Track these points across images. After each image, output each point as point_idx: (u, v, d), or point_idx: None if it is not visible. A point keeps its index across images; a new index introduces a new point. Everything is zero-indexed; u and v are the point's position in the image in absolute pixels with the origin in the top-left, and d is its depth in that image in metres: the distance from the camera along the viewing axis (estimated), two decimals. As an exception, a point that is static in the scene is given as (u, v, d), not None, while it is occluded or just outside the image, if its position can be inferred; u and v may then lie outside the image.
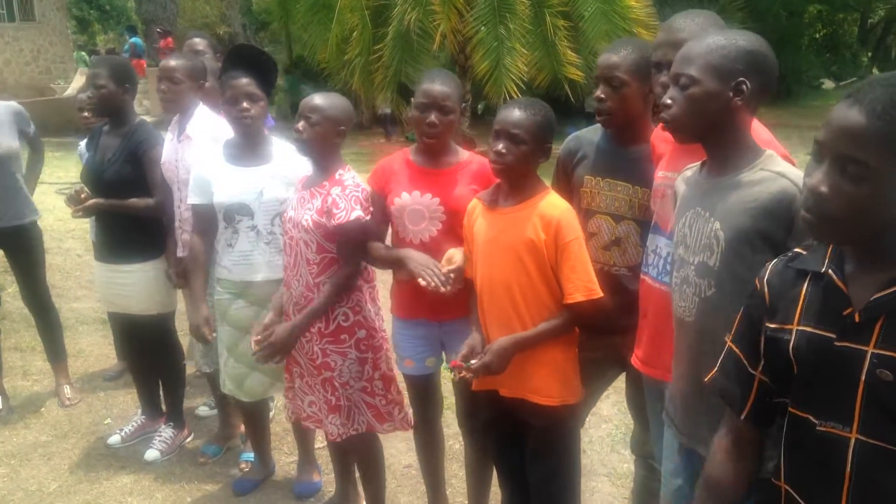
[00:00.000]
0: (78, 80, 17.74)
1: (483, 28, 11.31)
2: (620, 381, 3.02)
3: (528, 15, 11.65)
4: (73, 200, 3.85)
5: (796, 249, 1.66)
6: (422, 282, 2.78)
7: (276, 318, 3.17)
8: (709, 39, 2.01)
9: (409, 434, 4.14)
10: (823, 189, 1.43)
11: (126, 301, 4.05)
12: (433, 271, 2.80)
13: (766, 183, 1.95)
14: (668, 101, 2.05)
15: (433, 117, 2.86)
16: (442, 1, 11.22)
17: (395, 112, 11.92)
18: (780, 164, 1.98)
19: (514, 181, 2.66)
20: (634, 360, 2.57)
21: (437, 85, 2.89)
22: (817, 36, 30.55)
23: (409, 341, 3.14)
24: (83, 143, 4.66)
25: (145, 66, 20.59)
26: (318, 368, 3.10)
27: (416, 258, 2.88)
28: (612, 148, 2.79)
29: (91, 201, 3.82)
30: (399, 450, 4.06)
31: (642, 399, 2.92)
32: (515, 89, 10.77)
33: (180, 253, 3.86)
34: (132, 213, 3.86)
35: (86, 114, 4.79)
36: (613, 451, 4.11)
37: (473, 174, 2.94)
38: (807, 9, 27.19)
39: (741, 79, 1.97)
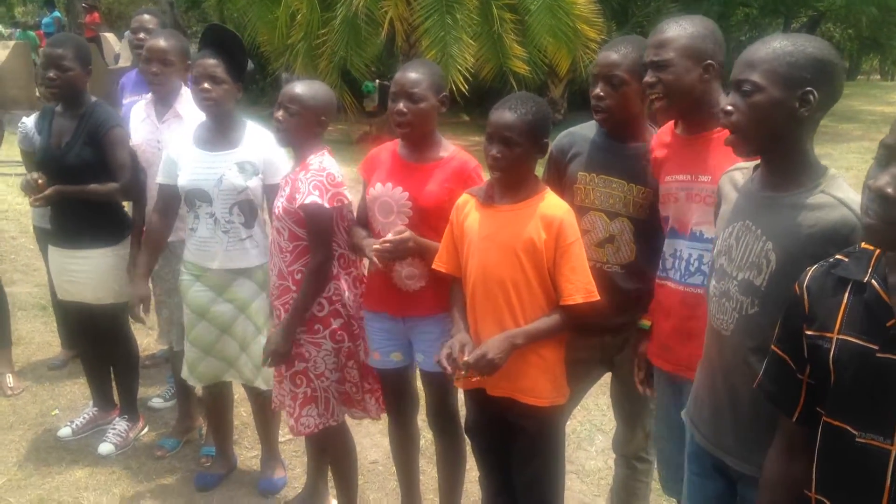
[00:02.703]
0: (-1, 54, 16.86)
1: (430, 17, 11.22)
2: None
3: (474, 6, 11.60)
4: (31, 188, 3.63)
5: (837, 256, 1.64)
6: (374, 258, 2.80)
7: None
8: (774, 44, 1.88)
9: (374, 430, 4.12)
10: (890, 191, 1.41)
11: (81, 289, 3.87)
12: (377, 247, 2.79)
13: (826, 209, 1.85)
14: (729, 108, 1.92)
15: (401, 105, 2.81)
16: (390, -12, 11.14)
17: (339, 100, 11.73)
18: (843, 190, 1.88)
19: (513, 182, 2.63)
20: (655, 359, 2.58)
21: (407, 73, 2.85)
22: (743, 39, 31.32)
23: (375, 334, 3.09)
24: (29, 120, 4.40)
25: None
26: (289, 361, 3.03)
27: (368, 243, 2.89)
28: (607, 144, 2.78)
29: (51, 189, 3.61)
30: (364, 446, 3.99)
31: (629, 400, 2.96)
32: (462, 80, 10.73)
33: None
34: (94, 198, 3.68)
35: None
36: (580, 449, 4.12)
37: (451, 172, 2.88)
38: (735, 12, 27.82)
39: (808, 88, 1.84)
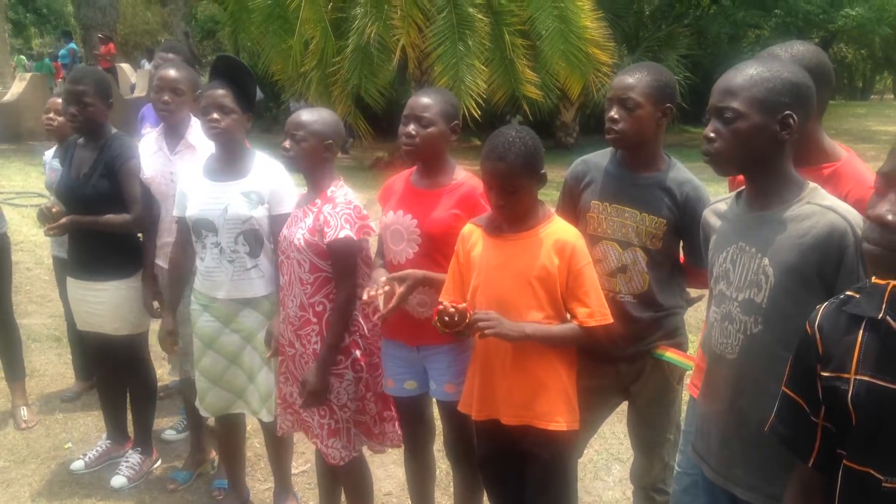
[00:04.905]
0: (17, 86, 17.06)
1: (442, 44, 11.27)
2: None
3: (486, 32, 11.64)
4: (46, 217, 3.65)
5: (848, 293, 1.60)
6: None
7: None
8: (751, 71, 1.94)
9: (389, 461, 4.08)
10: (890, 218, 1.40)
11: (99, 320, 3.86)
12: (376, 285, 2.76)
13: (815, 217, 1.89)
14: (712, 135, 1.97)
15: (410, 128, 2.82)
16: (402, 16, 11.17)
17: (354, 127, 11.76)
18: (828, 198, 1.94)
19: (520, 216, 2.63)
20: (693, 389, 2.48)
21: (420, 98, 2.87)
22: (756, 61, 31.27)
23: (389, 361, 3.08)
24: (49, 153, 4.45)
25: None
26: None
27: (375, 275, 2.88)
28: (621, 173, 2.76)
29: (66, 218, 3.64)
30: (378, 477, 3.94)
31: (647, 430, 2.93)
32: (474, 105, 10.74)
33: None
34: (108, 229, 3.70)
35: (51, 115, 4.54)
36: (597, 479, 4.06)
37: (459, 198, 2.87)
38: (746, 34, 27.89)
39: (788, 112, 1.90)
